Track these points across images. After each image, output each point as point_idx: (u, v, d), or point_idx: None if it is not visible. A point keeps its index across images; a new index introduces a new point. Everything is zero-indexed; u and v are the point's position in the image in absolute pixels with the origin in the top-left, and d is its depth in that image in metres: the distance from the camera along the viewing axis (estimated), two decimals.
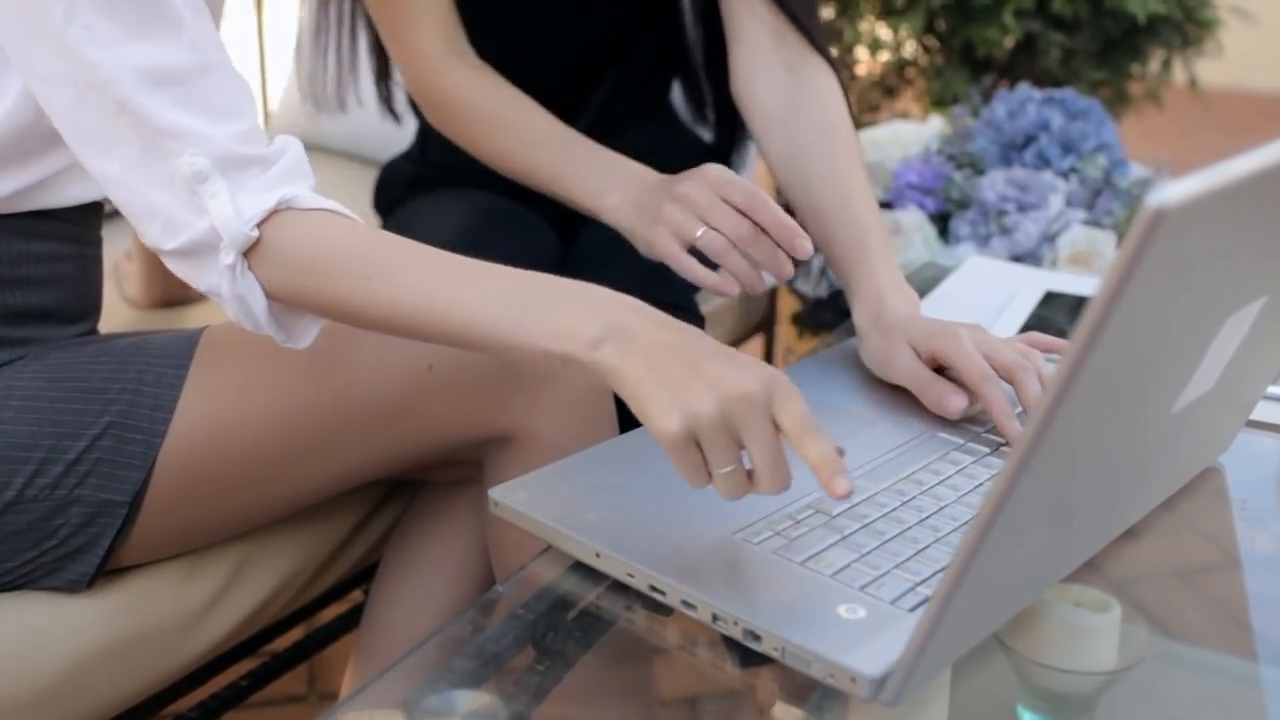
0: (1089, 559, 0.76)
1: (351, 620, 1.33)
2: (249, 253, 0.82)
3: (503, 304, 0.79)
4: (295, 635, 1.26)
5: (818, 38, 1.21)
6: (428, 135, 1.51)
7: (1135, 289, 0.49)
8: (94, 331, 1.01)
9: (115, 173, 0.82)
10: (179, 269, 0.84)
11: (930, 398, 0.92)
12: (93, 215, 0.99)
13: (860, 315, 1.04)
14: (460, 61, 1.17)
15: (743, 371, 0.73)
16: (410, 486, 1.15)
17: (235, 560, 1.01)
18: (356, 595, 1.28)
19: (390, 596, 1.10)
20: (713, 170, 1.01)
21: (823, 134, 1.15)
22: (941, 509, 0.79)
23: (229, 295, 0.83)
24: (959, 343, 0.92)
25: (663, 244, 1.03)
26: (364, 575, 1.19)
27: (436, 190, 1.46)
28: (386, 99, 1.42)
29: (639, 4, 1.38)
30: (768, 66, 1.20)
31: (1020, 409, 0.90)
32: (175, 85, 0.81)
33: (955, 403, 0.90)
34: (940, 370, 0.94)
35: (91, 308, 1.00)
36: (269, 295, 0.84)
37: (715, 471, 0.72)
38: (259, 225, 0.81)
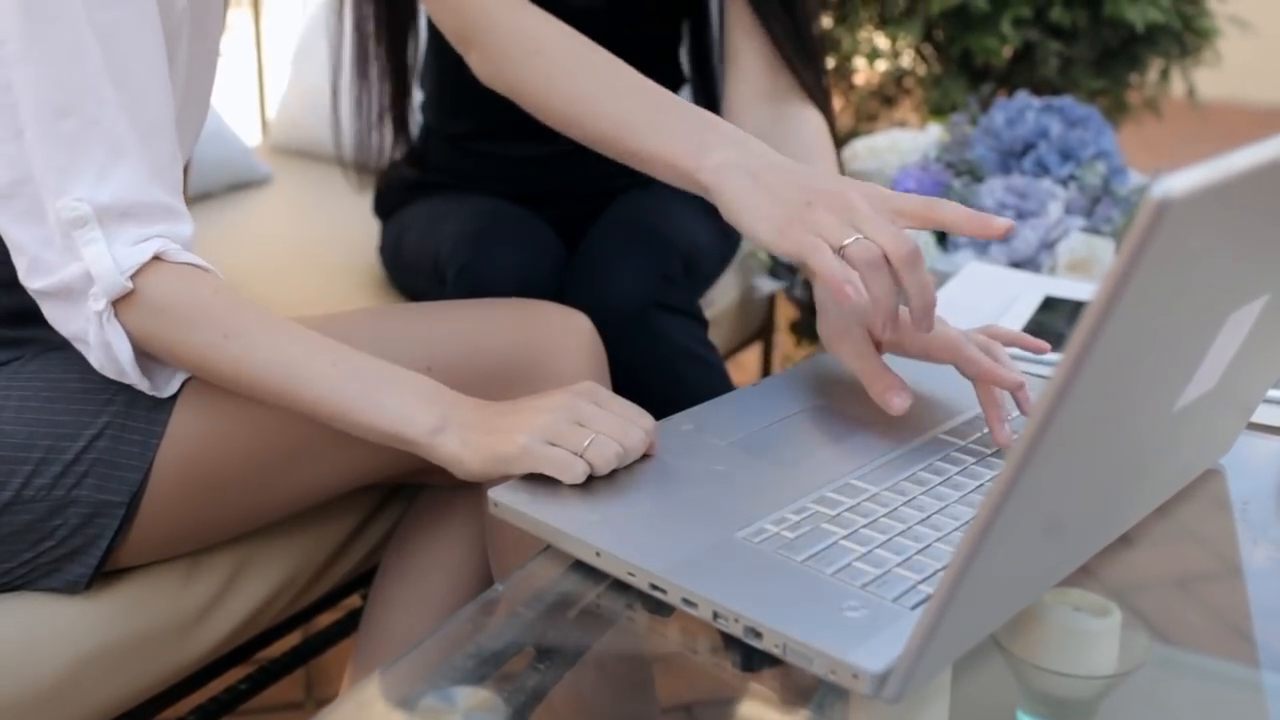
0: (1090, 563, 0.76)
1: (349, 625, 1.33)
2: (118, 301, 0.84)
3: (354, 382, 0.85)
4: (293, 640, 1.26)
5: (814, 76, 1.22)
6: (431, 139, 1.52)
7: (1139, 281, 0.49)
8: None
9: None
10: (46, 308, 0.86)
11: (875, 388, 0.88)
12: None
13: (823, 290, 1.01)
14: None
15: (556, 395, 0.84)
16: (409, 490, 1.15)
17: (233, 563, 1.01)
18: (355, 600, 1.28)
19: (389, 600, 1.09)
20: (878, 189, 0.88)
21: (805, 148, 1.17)
22: (943, 508, 0.79)
23: (95, 342, 0.85)
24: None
25: (804, 241, 0.84)
26: (362, 580, 1.19)
27: (438, 195, 1.46)
28: (407, 142, 1.41)
29: (668, 30, 1.39)
30: (757, 99, 1.23)
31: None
32: (72, 117, 0.82)
33: (899, 401, 0.87)
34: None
35: None
36: (134, 343, 0.86)
37: (582, 453, 0.79)
38: (133, 276, 0.83)
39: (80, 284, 0.83)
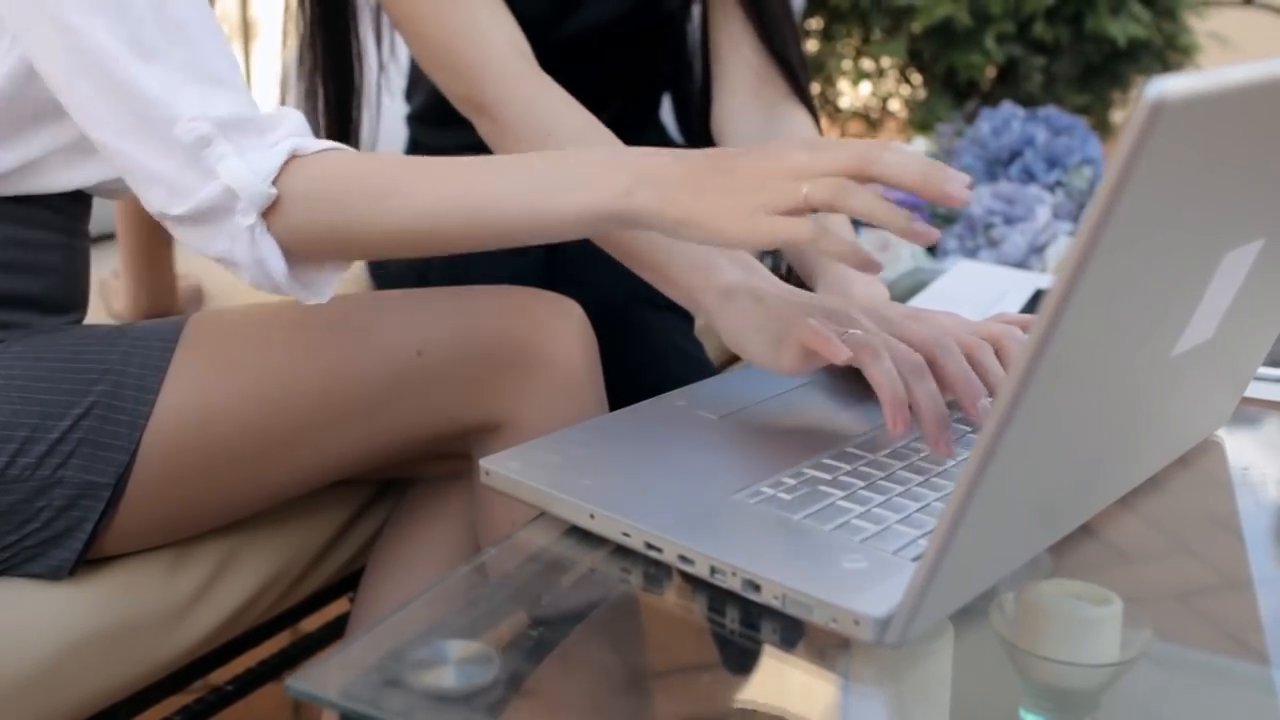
0: (1092, 571, 0.75)
1: (337, 629, 1.31)
2: (266, 211, 0.82)
3: (525, 181, 0.80)
4: (280, 642, 1.24)
5: (801, 83, 1.23)
6: (419, 148, 1.51)
7: (1135, 189, 0.49)
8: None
9: (113, 142, 0.82)
10: (187, 235, 0.84)
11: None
12: (81, 206, 0.98)
13: (825, 294, 1.02)
14: (532, 70, 1.04)
15: (758, 155, 0.75)
16: (398, 488, 1.14)
17: (221, 553, 0.99)
18: (343, 604, 1.26)
19: (378, 595, 1.08)
20: (880, 305, 0.86)
21: None
22: (942, 471, 0.78)
23: (247, 260, 0.83)
24: (940, 335, 0.82)
25: (816, 335, 0.80)
26: (350, 582, 1.17)
27: None
28: None
29: (653, 50, 1.40)
30: (748, 106, 1.23)
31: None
32: (163, 54, 0.81)
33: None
34: None
35: (76, 302, 0.99)
36: (287, 250, 0.84)
37: (805, 197, 0.73)
38: (274, 181, 0.81)
39: (224, 201, 0.81)
